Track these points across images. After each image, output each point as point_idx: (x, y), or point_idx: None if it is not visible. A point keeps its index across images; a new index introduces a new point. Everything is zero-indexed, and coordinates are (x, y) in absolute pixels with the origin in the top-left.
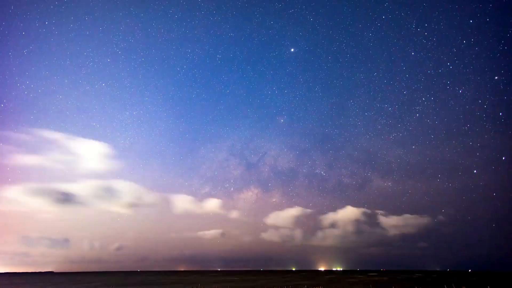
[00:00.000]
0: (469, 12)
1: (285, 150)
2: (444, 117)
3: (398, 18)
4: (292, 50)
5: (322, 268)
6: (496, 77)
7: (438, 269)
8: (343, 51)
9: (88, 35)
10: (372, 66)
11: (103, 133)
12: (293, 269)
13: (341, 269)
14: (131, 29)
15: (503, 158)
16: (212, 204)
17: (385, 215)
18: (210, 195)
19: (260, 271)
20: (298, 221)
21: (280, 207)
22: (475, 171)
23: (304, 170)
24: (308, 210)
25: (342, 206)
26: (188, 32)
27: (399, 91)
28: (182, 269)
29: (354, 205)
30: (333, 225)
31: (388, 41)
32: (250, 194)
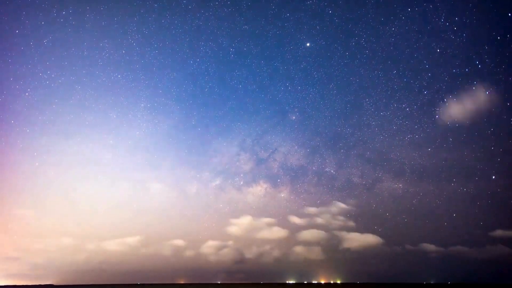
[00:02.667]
0: (510, 3)
1: (296, 147)
2: (466, 119)
3: (426, 11)
4: (308, 44)
5: (322, 281)
6: None
7: (432, 282)
8: (362, 46)
9: (103, 25)
10: (392, 63)
11: (119, 124)
12: (292, 281)
13: (339, 281)
14: (145, 20)
15: None
16: None
17: None
18: (220, 188)
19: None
20: None
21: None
22: (493, 177)
23: (314, 168)
24: None
25: None
26: (202, 24)
27: (419, 91)
28: (182, 282)
29: None
30: None
31: (412, 36)
32: (259, 189)
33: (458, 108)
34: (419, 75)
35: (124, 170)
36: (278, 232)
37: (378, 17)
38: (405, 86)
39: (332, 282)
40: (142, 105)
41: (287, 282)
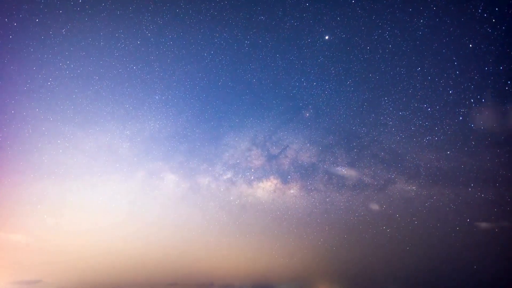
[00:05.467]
0: None
1: (308, 144)
2: (493, 122)
3: (461, 0)
4: (327, 37)
5: None
6: None
7: None
8: (385, 40)
9: (118, 15)
10: (416, 59)
11: (135, 115)
12: None
13: None
14: (160, 9)
15: None
16: None
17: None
18: (231, 181)
19: None
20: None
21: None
22: None
23: (325, 166)
24: None
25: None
26: (217, 14)
27: (444, 90)
28: None
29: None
30: None
31: (442, 29)
32: (269, 184)
33: (486, 110)
34: (445, 72)
35: (140, 160)
36: None
37: (406, 8)
38: (429, 85)
39: None
40: (157, 97)
41: None
